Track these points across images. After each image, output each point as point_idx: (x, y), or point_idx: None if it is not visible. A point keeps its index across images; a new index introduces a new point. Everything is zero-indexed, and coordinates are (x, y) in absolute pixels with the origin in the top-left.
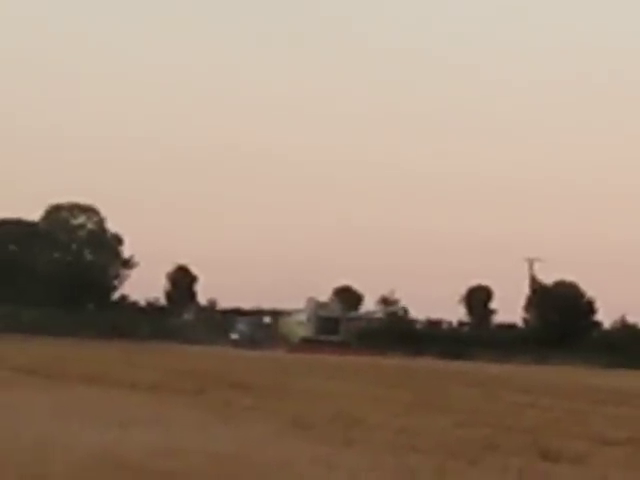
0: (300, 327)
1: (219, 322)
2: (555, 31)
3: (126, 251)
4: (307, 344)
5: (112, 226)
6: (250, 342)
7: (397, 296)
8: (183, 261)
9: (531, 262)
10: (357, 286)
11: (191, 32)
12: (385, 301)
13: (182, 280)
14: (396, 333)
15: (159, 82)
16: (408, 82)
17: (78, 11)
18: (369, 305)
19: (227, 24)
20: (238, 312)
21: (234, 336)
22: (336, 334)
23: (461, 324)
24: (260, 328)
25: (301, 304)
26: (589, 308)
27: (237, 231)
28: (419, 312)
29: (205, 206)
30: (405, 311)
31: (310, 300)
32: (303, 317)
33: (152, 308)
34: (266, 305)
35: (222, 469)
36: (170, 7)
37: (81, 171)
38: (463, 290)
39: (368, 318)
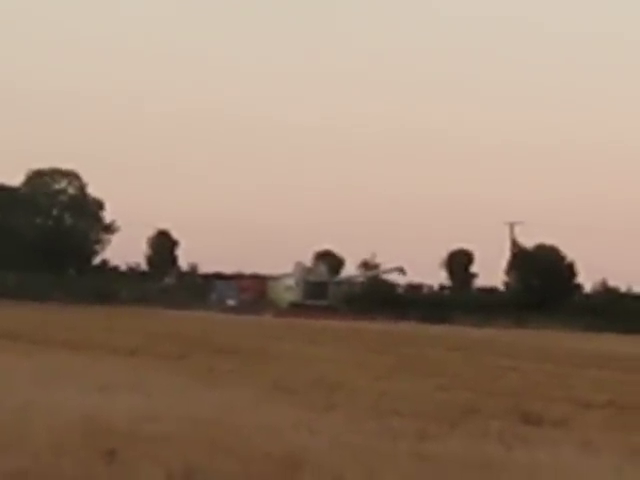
0: (288, 292)
1: (203, 287)
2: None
3: (107, 216)
4: (295, 309)
5: (93, 191)
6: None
7: (378, 260)
8: (164, 226)
9: (512, 226)
10: (338, 250)
11: None
12: (366, 265)
13: (163, 245)
14: (380, 297)
15: (142, 47)
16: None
17: None
18: (350, 269)
19: None
20: (219, 276)
21: (231, 302)
22: (324, 299)
23: (442, 288)
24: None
25: (283, 269)
26: (570, 271)
27: (218, 195)
28: (398, 277)
29: (186, 171)
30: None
31: (298, 265)
32: (291, 282)
33: (133, 273)
34: (247, 270)
35: (204, 433)
36: None
37: (62, 136)
38: (444, 254)
39: (354, 282)
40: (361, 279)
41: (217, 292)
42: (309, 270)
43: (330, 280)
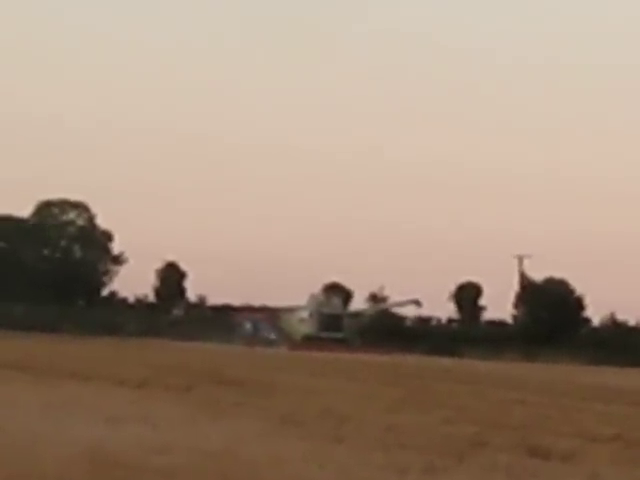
0: (302, 324)
1: (223, 319)
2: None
3: (116, 247)
4: (309, 341)
5: (102, 222)
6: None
7: (386, 293)
8: (172, 258)
9: (521, 259)
10: (346, 282)
11: (172, 18)
12: (374, 298)
13: (171, 276)
14: (389, 330)
15: (149, 77)
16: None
17: (73, 3)
18: (358, 302)
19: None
20: (228, 308)
21: (272, 335)
22: (339, 331)
23: (450, 321)
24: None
25: (291, 301)
26: (578, 305)
27: (226, 228)
28: (408, 309)
29: (194, 203)
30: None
31: (312, 297)
32: (305, 314)
33: (141, 305)
34: (256, 302)
35: (211, 466)
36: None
37: (71, 167)
38: (453, 287)
39: (368, 315)
40: (375, 311)
41: (253, 326)
42: (323, 302)
43: (344, 312)
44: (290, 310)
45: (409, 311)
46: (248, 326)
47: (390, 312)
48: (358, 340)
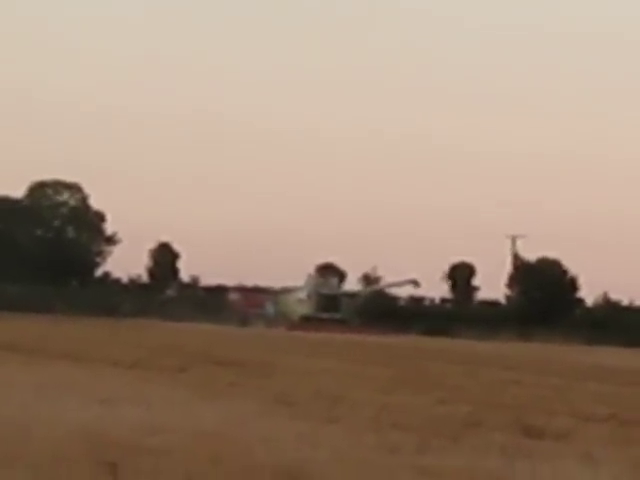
0: (300, 305)
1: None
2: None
3: (109, 228)
4: (307, 322)
5: (95, 203)
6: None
7: (380, 273)
8: (166, 238)
9: (514, 239)
10: (339, 263)
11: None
12: (367, 278)
13: (164, 257)
14: (382, 310)
15: (142, 57)
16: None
17: None
18: (351, 283)
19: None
20: (221, 289)
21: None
22: (337, 311)
23: (444, 301)
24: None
25: (284, 281)
26: (572, 285)
27: (219, 208)
28: (406, 289)
29: (188, 183)
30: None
31: (309, 277)
32: (302, 294)
33: (135, 285)
34: (249, 282)
35: (206, 446)
36: None
37: (65, 148)
38: (446, 267)
39: (364, 295)
40: (372, 291)
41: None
42: (321, 283)
43: (342, 293)
44: (287, 291)
45: (406, 291)
46: (270, 308)
47: (384, 292)
48: (356, 320)
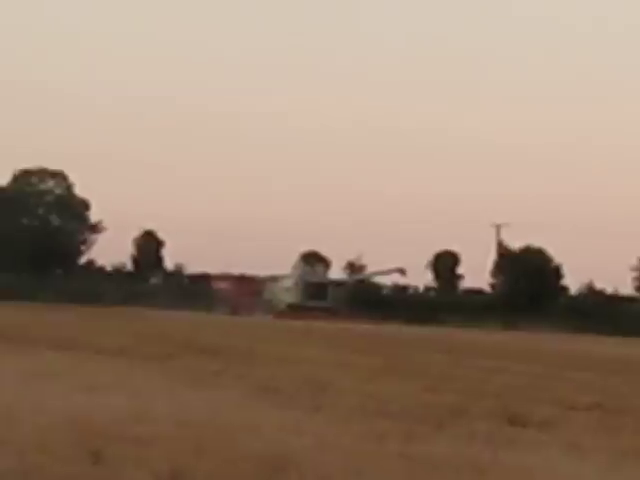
0: (287, 293)
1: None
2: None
3: (93, 216)
4: (294, 310)
5: (80, 191)
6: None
7: (364, 261)
8: (150, 226)
9: (498, 227)
10: (323, 251)
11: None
12: (352, 266)
13: (149, 245)
14: (366, 299)
15: (127, 45)
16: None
17: None
18: (335, 271)
19: None
20: (205, 277)
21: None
22: (324, 299)
23: (428, 289)
24: None
25: (268, 269)
26: (556, 274)
27: (203, 196)
28: (392, 277)
29: (172, 171)
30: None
31: (296, 265)
32: (289, 283)
33: (119, 273)
34: (234, 270)
35: (190, 434)
36: None
37: (49, 136)
38: (430, 255)
39: (350, 284)
40: (359, 280)
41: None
42: (308, 271)
43: (330, 281)
44: (273, 279)
45: (391, 279)
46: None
47: (368, 281)
48: (344, 309)
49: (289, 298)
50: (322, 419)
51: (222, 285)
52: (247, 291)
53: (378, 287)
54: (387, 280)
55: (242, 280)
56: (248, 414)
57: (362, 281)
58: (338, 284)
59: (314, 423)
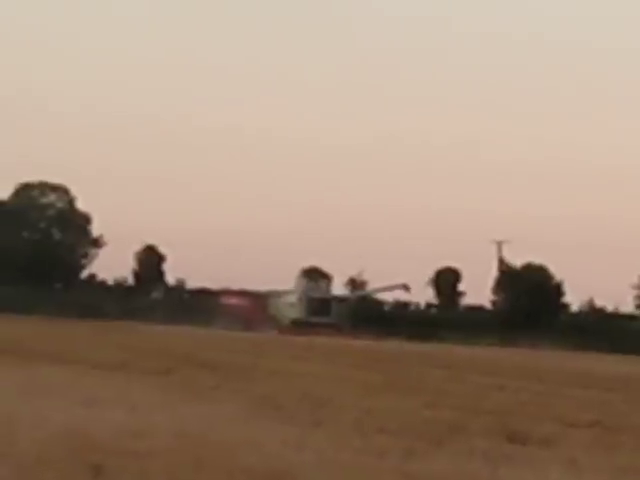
0: (290, 309)
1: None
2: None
3: (95, 230)
4: (298, 326)
5: (81, 205)
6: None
7: (365, 277)
8: (151, 241)
9: (499, 244)
10: (324, 267)
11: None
12: (354, 282)
13: (150, 259)
14: (368, 315)
15: (128, 58)
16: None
17: None
18: (337, 287)
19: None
20: (206, 292)
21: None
22: (328, 315)
23: (429, 306)
24: None
25: (271, 285)
26: (557, 291)
27: (205, 211)
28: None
29: (173, 187)
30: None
31: (299, 281)
32: (293, 298)
33: (120, 287)
34: (235, 286)
35: (190, 449)
36: None
37: (51, 150)
38: (431, 272)
39: (353, 300)
40: (362, 296)
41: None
42: (311, 286)
43: (333, 297)
44: (276, 294)
45: (393, 296)
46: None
47: (371, 297)
48: (347, 325)
49: (293, 314)
50: (321, 434)
51: (233, 301)
52: (259, 307)
53: (380, 303)
54: (389, 296)
55: (254, 296)
56: (247, 429)
57: (365, 297)
58: (341, 300)
59: (313, 438)
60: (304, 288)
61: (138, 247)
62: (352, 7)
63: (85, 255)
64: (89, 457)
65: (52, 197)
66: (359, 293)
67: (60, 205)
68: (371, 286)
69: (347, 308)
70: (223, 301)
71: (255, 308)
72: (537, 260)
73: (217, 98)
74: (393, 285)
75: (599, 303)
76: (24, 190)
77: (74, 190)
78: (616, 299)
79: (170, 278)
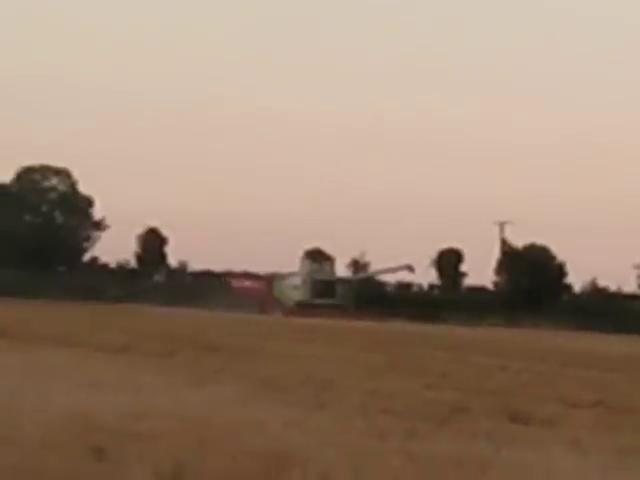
0: (295, 291)
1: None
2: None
3: (97, 213)
4: (303, 308)
5: (83, 188)
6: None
7: (368, 259)
8: (153, 223)
9: (502, 225)
10: (327, 248)
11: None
12: (356, 264)
13: (152, 242)
14: (370, 296)
15: (132, 41)
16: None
17: None
18: (339, 268)
19: None
20: (209, 274)
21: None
22: (332, 297)
23: (432, 287)
24: None
25: (274, 267)
26: (560, 271)
27: (206, 194)
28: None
29: (176, 168)
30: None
31: (304, 263)
32: (297, 280)
33: (123, 270)
34: (237, 268)
35: (193, 431)
36: None
37: (53, 133)
38: (434, 253)
39: (357, 281)
40: (366, 277)
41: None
42: (316, 268)
43: (338, 279)
44: (281, 276)
45: (396, 277)
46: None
47: (373, 278)
48: (351, 307)
49: (297, 296)
50: (325, 416)
51: (247, 284)
52: (271, 290)
53: (383, 285)
54: (392, 278)
55: (266, 279)
56: (251, 411)
57: (368, 279)
58: (345, 282)
59: (317, 420)
60: (309, 270)
61: (140, 230)
62: None
63: (87, 238)
64: (92, 440)
65: (54, 180)
66: (364, 274)
67: (62, 188)
68: (373, 268)
69: (351, 290)
70: (235, 284)
71: (269, 291)
72: (539, 241)
73: (219, 82)
74: (398, 266)
75: (602, 283)
76: (26, 173)
77: (76, 173)
78: (618, 279)
79: (173, 261)
